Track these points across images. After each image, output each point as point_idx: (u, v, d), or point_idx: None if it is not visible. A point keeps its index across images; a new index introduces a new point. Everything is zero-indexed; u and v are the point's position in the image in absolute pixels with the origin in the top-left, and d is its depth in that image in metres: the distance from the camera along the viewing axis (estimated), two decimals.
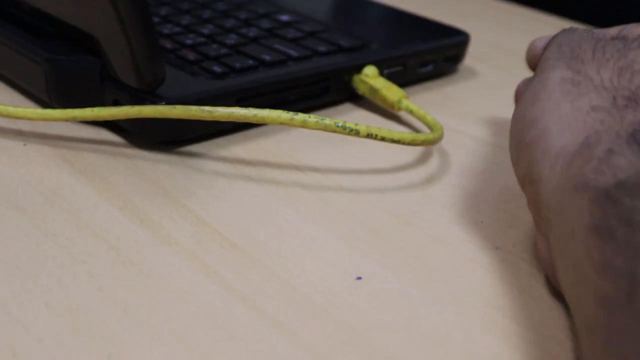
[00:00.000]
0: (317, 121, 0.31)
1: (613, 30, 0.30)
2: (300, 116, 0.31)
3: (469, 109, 0.42)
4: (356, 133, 0.32)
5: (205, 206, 0.29)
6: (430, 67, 0.44)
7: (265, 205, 0.30)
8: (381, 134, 0.32)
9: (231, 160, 0.33)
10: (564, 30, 0.30)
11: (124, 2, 0.29)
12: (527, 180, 0.26)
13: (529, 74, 0.48)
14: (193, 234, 0.27)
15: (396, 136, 0.32)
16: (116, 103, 0.34)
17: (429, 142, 0.34)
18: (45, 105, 0.36)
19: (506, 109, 0.42)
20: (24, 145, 0.33)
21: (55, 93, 0.34)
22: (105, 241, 0.26)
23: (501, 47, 0.54)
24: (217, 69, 0.36)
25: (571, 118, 0.25)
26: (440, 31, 0.46)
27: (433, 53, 0.44)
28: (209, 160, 0.33)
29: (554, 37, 0.30)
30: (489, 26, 0.59)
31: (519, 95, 0.34)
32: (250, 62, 0.37)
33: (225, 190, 0.31)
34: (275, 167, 0.33)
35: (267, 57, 0.38)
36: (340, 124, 0.31)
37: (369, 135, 0.32)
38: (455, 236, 0.29)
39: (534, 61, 0.33)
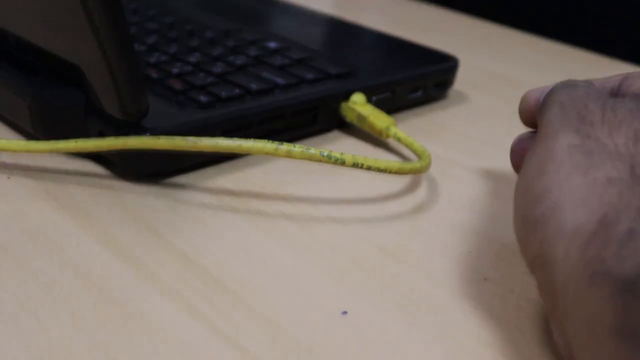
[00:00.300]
0: (302, 151, 0.31)
1: (613, 80, 0.28)
2: (285, 146, 0.31)
3: (458, 136, 0.42)
4: (342, 162, 0.31)
5: (190, 241, 0.29)
6: (419, 93, 0.44)
7: (250, 239, 0.30)
8: (367, 163, 0.32)
9: (217, 191, 0.33)
10: (562, 85, 0.27)
11: (107, 33, 0.29)
12: (538, 262, 0.23)
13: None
14: (177, 271, 0.27)
15: (383, 165, 0.32)
16: (101, 135, 0.33)
17: (416, 170, 0.33)
18: (31, 137, 0.36)
19: (496, 136, 0.42)
20: (8, 178, 0.33)
21: (40, 126, 0.34)
22: (88, 279, 0.26)
23: (492, 72, 0.54)
24: (203, 98, 0.36)
25: (585, 192, 0.22)
26: (429, 57, 0.46)
27: (422, 79, 0.44)
28: (195, 192, 0.33)
29: (552, 93, 0.27)
30: (479, 51, 0.59)
31: (515, 156, 0.31)
32: (237, 91, 0.37)
33: (210, 224, 0.31)
34: (262, 199, 0.33)
35: (253, 86, 0.38)
36: (325, 154, 0.31)
37: (355, 165, 0.32)
38: (443, 268, 0.29)
39: (528, 115, 0.31)
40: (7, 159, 0.34)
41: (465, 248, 0.30)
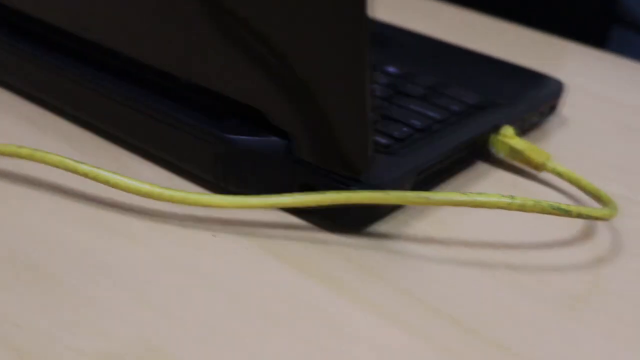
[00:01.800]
0: (534, 204, 0.33)
1: None
2: (519, 200, 0.33)
3: (592, 162, 0.44)
4: (568, 214, 0.33)
5: (443, 297, 0.30)
6: (535, 119, 0.47)
7: (491, 289, 0.31)
8: (587, 212, 0.34)
9: (421, 239, 0.34)
10: None
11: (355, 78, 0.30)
12: None
13: (612, 114, 0.51)
14: (448, 334, 0.28)
15: (599, 214, 0.34)
16: (304, 186, 0.34)
17: (613, 215, 0.36)
18: (209, 186, 0.36)
19: (621, 158, 0.45)
20: (213, 236, 0.33)
21: (230, 176, 0.34)
22: (382, 353, 0.27)
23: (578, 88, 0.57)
24: (383, 141, 0.37)
25: None
26: (540, 80, 0.48)
27: (542, 104, 0.46)
28: (404, 241, 0.34)
29: None
30: (553, 66, 0.61)
31: None
32: (405, 129, 0.38)
33: (448, 276, 0.32)
34: (469, 245, 0.34)
35: (417, 123, 0.39)
36: (555, 206, 0.33)
37: (579, 216, 0.34)
38: None
39: None
40: (196, 212, 0.34)
41: None
